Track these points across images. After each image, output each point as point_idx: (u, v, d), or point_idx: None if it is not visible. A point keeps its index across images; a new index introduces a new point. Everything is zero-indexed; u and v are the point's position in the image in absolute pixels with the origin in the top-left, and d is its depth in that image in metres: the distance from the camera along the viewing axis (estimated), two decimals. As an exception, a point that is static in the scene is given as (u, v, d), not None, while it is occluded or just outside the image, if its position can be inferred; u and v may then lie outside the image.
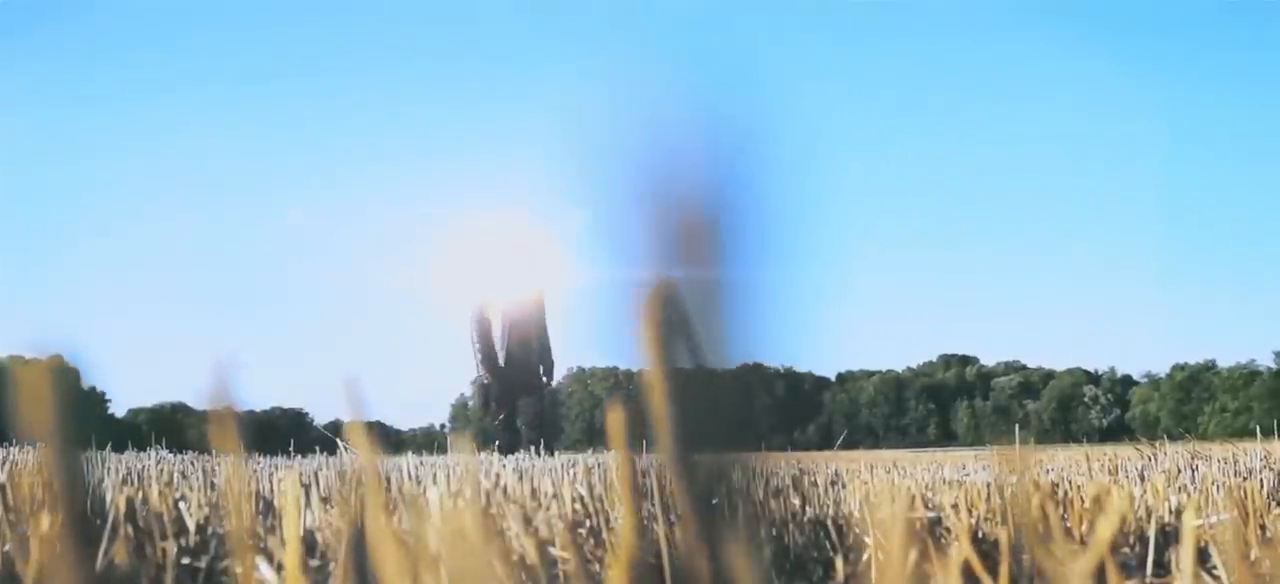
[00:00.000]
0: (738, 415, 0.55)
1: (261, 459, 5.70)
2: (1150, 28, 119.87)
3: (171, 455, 5.38)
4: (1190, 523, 0.78)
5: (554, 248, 9.28)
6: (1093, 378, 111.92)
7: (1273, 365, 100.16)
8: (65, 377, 0.72)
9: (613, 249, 0.55)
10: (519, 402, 9.15)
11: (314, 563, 1.44)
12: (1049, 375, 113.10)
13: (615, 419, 0.59)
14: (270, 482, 2.46)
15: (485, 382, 9.17)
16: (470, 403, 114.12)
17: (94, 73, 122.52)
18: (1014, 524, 1.26)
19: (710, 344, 0.54)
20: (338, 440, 4.41)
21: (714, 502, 0.55)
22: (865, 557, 1.38)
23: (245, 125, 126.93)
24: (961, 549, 1.04)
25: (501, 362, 9.08)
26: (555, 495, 1.93)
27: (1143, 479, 2.84)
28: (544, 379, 9.30)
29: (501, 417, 9.12)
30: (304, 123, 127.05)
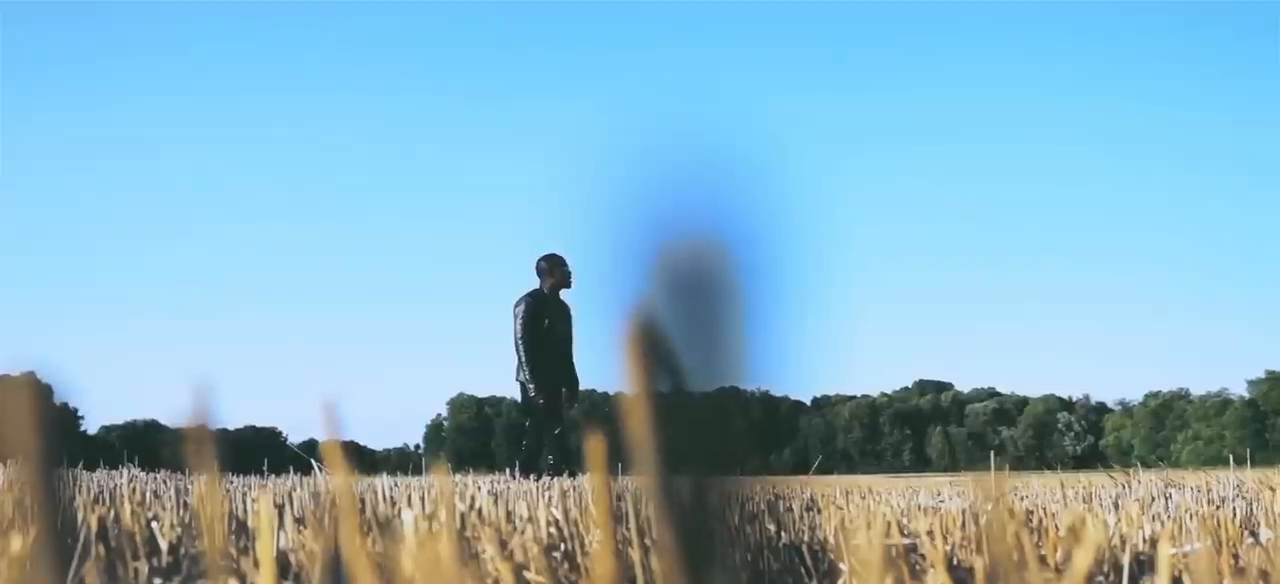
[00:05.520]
0: (721, 440, 0.55)
1: (235, 478, 5.66)
2: (1127, 56, 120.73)
3: (144, 474, 5.34)
4: (1165, 552, 0.78)
5: (559, 269, 8.97)
6: (1067, 405, 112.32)
7: (1245, 394, 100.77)
8: (38, 393, 0.71)
9: (602, 278, 0.55)
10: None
11: (287, 584, 1.43)
12: (1023, 402, 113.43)
13: (595, 444, 0.58)
14: (244, 502, 2.44)
15: (539, 399, 8.65)
16: (445, 421, 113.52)
17: (64, 92, 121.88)
18: (989, 553, 1.26)
19: (698, 370, 0.54)
20: (312, 461, 4.38)
21: (694, 526, 0.55)
22: (840, 583, 1.38)
23: (221, 142, 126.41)
24: (937, 577, 1.04)
25: (542, 381, 8.62)
26: (530, 519, 1.93)
27: (1117, 507, 2.84)
28: (568, 403, 8.89)
29: (557, 431, 8.65)
30: (283, 141, 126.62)
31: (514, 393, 9.00)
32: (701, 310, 0.53)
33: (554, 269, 8.87)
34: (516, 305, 8.80)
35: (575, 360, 8.95)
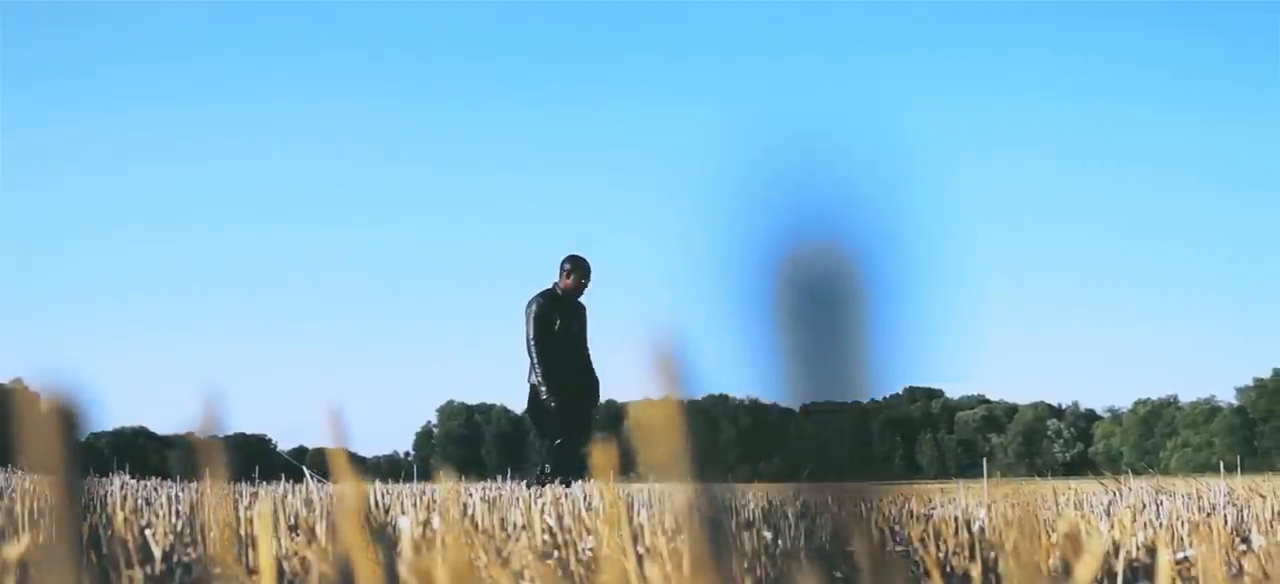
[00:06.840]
0: (725, 448, 0.55)
1: (226, 486, 5.63)
2: (1119, 61, 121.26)
3: (135, 481, 5.33)
4: (1165, 559, 0.78)
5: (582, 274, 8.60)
6: (1056, 412, 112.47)
7: (1234, 401, 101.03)
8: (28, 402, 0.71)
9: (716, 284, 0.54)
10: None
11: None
12: (1013, 409, 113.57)
13: (603, 452, 0.58)
14: (237, 509, 2.44)
15: (552, 403, 8.22)
16: (434, 428, 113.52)
17: (56, 97, 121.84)
18: (983, 560, 1.26)
19: (824, 376, 0.54)
20: (304, 467, 4.37)
21: (713, 534, 0.55)
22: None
23: (210, 149, 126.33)
24: None
25: (555, 385, 8.21)
26: (525, 526, 1.93)
27: (1109, 514, 2.85)
28: (588, 406, 8.51)
29: (559, 443, 8.21)
30: (273, 146, 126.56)
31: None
32: (827, 316, 0.53)
33: (576, 271, 8.47)
34: (528, 305, 8.42)
35: (593, 362, 8.61)
